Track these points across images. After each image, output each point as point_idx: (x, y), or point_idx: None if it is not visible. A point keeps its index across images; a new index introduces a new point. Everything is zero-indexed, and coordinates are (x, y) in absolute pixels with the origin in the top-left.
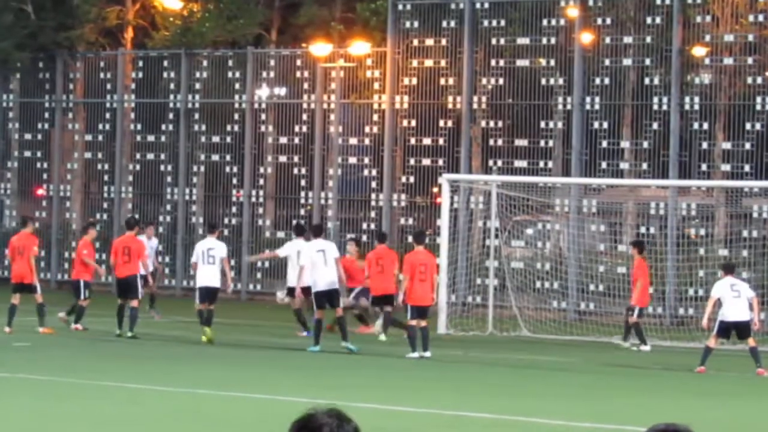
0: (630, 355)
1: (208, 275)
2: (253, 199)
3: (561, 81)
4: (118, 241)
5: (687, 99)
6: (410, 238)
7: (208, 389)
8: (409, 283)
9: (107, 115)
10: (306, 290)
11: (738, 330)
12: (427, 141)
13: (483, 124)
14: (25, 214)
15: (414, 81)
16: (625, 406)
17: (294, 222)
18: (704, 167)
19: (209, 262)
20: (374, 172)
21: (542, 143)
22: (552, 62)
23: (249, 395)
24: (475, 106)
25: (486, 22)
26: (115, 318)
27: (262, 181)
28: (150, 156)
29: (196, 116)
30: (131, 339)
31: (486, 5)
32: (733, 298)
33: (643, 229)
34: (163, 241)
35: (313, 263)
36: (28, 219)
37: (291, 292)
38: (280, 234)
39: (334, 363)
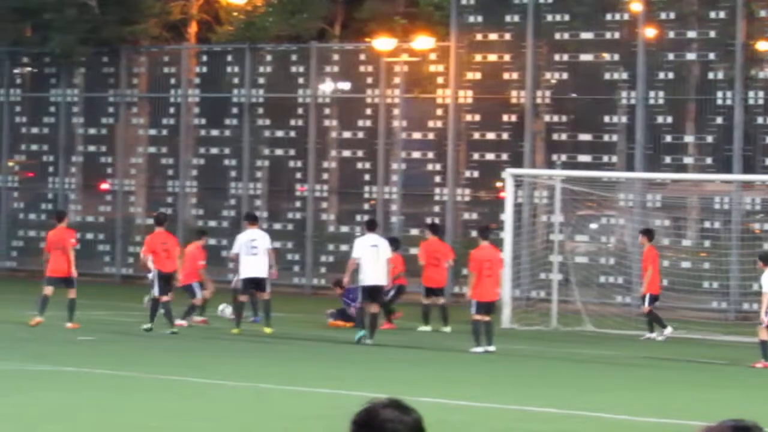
0: (695, 349)
1: (252, 266)
2: (317, 194)
3: (624, 75)
4: (154, 236)
5: (751, 93)
6: (475, 233)
7: (272, 384)
8: (476, 278)
9: (171, 110)
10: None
11: None
12: (490, 135)
13: (546, 118)
14: (88, 210)
15: (477, 75)
16: (689, 400)
17: (245, 212)
18: None
19: (252, 253)
20: (438, 167)
21: (606, 138)
22: (615, 57)
23: (311, 390)
24: (538, 100)
25: (549, 17)
26: (149, 313)
27: (325, 176)
28: (214, 150)
29: (260, 111)
30: (173, 335)
31: (549, 0)
32: None
33: (707, 224)
34: (227, 236)
35: (365, 258)
36: (64, 214)
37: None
38: (344, 228)
39: (397, 357)
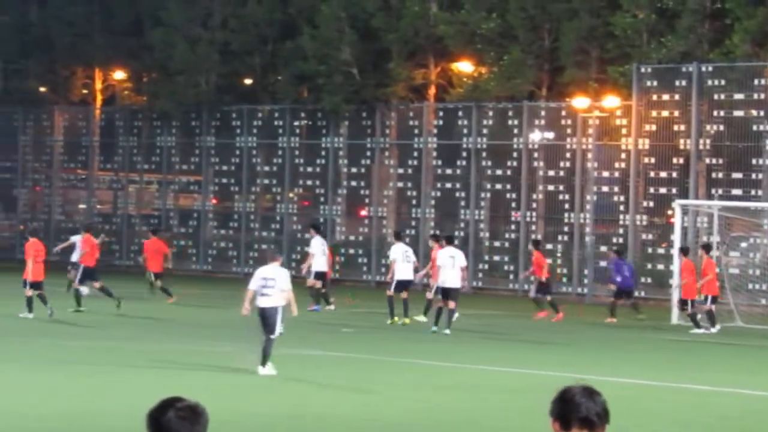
0: None
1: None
2: (527, 219)
3: None
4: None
5: None
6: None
7: (490, 366)
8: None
9: (415, 154)
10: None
11: None
12: (663, 174)
13: (707, 161)
14: (351, 231)
15: (653, 127)
16: None
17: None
18: None
19: (407, 262)
20: (622, 198)
21: (753, 176)
22: (761, 113)
23: (518, 371)
24: (701, 147)
25: (709, 82)
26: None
27: (534, 205)
28: (448, 185)
29: (484, 154)
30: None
31: (710, 68)
32: None
33: None
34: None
35: (444, 265)
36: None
37: (318, 275)
38: (549, 246)
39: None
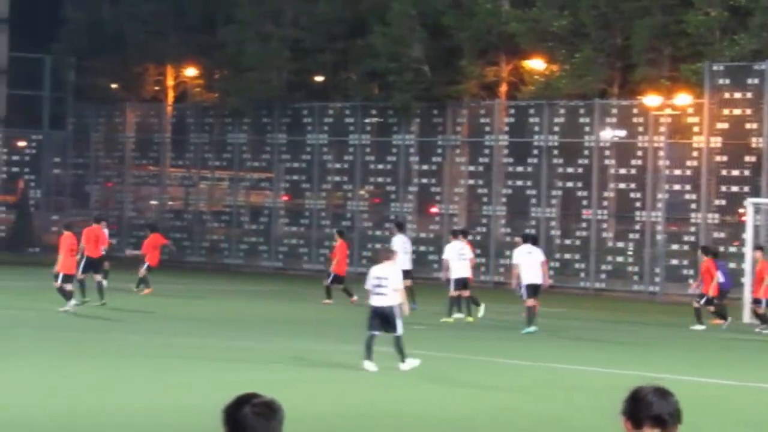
0: None
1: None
2: (599, 217)
3: None
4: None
5: None
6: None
7: (563, 364)
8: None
9: (486, 151)
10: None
11: None
12: (735, 172)
13: None
14: (421, 228)
15: (725, 125)
16: None
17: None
18: None
19: (462, 259)
20: (693, 197)
21: None
22: None
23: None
24: None
25: None
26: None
27: (605, 203)
28: (519, 183)
29: (555, 152)
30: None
31: None
32: None
33: None
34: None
35: (524, 262)
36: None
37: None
38: (620, 244)
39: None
